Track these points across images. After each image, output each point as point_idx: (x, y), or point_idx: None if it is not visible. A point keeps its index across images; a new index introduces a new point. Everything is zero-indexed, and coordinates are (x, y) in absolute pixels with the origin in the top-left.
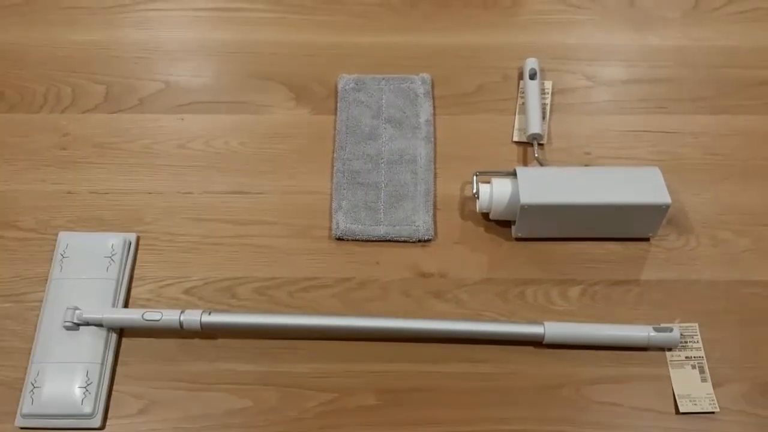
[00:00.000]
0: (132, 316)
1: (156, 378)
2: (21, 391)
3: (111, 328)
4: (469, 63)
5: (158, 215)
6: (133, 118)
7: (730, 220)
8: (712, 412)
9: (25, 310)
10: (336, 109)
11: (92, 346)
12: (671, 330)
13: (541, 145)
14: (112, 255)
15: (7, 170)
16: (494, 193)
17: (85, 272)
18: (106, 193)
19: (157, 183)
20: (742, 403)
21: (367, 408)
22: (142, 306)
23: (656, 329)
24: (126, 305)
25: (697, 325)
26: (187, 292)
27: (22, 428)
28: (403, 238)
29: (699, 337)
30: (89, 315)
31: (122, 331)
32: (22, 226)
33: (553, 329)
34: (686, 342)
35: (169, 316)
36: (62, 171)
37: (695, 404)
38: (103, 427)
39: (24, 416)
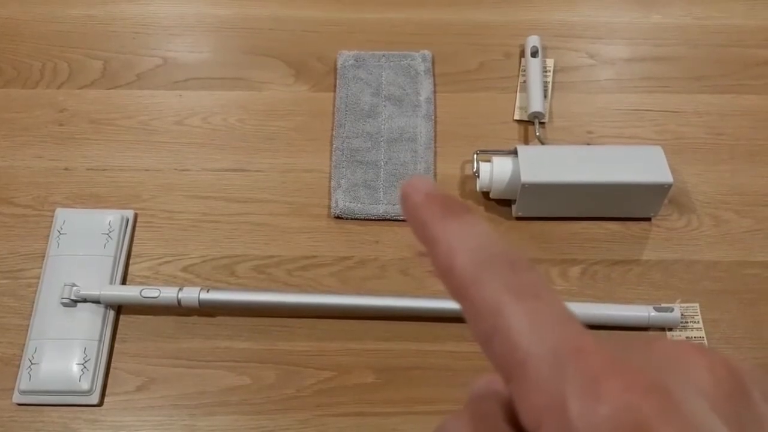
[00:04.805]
0: (130, 293)
1: (154, 355)
2: (18, 367)
3: (108, 305)
4: (471, 40)
5: (156, 192)
6: (131, 94)
7: (733, 200)
8: None
9: (22, 286)
10: (335, 85)
11: (90, 322)
12: (672, 310)
13: (542, 123)
14: (110, 232)
15: (4, 146)
16: (495, 171)
17: (83, 249)
18: (104, 170)
19: (155, 160)
20: None
21: (365, 386)
22: (140, 283)
23: (657, 309)
24: (124, 282)
25: (697, 305)
26: (185, 269)
27: (19, 404)
28: (402, 217)
29: (700, 317)
30: (87, 292)
31: (120, 309)
32: (19, 202)
33: None
34: (687, 322)
35: (167, 293)
36: (59, 147)
37: None
38: (101, 403)
39: (22, 392)
